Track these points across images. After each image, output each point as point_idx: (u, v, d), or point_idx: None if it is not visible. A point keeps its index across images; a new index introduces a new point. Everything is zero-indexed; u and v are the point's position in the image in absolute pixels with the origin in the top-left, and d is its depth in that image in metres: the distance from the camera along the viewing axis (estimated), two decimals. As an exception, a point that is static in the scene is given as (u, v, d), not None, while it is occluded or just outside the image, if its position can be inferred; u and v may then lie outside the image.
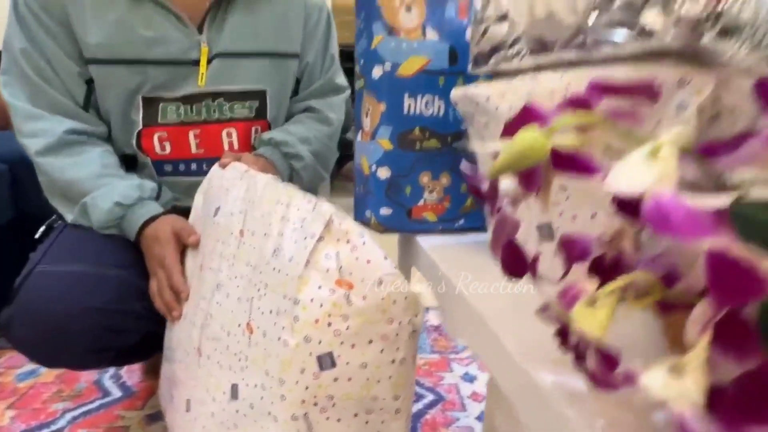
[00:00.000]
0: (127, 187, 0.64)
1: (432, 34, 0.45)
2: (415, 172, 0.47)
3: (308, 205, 0.44)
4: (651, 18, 0.26)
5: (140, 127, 0.69)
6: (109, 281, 0.62)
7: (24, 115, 0.64)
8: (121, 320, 0.62)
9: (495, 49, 0.38)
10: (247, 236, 0.50)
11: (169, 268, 0.59)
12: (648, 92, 0.19)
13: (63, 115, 0.65)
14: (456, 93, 0.41)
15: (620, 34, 0.29)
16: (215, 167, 0.64)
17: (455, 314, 0.36)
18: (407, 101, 0.46)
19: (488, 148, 0.19)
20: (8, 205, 1.07)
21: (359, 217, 0.51)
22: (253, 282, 0.46)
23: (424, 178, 0.48)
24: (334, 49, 0.82)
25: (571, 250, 0.22)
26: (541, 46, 0.34)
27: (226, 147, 0.74)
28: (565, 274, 0.21)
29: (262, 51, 0.73)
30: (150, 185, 0.67)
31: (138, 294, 0.62)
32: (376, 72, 0.45)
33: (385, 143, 0.46)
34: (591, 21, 0.30)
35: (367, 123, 0.48)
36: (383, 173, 0.47)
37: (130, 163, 0.72)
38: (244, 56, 0.72)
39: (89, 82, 0.67)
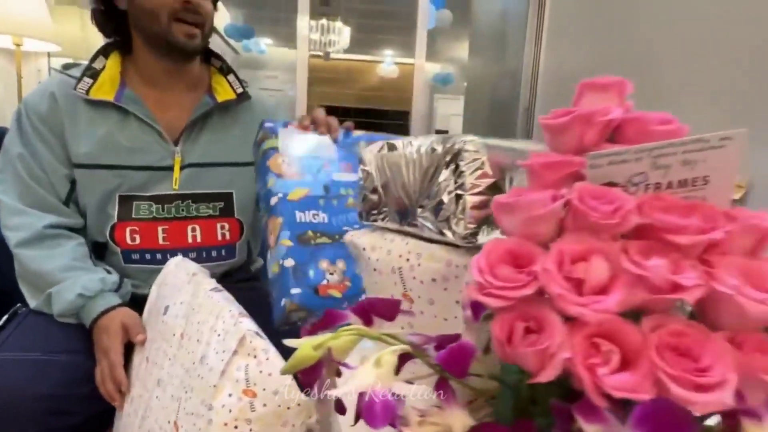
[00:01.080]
0: (90, 280, 0.72)
1: (308, 177, 0.65)
2: (314, 260, 0.60)
3: (231, 319, 0.53)
4: (444, 227, 0.39)
5: (114, 221, 0.79)
6: (57, 367, 0.68)
7: (10, 211, 0.74)
8: (67, 404, 0.67)
9: (371, 210, 0.50)
10: (185, 340, 0.59)
11: (112, 360, 0.66)
12: (394, 309, 0.30)
13: (46, 211, 0.75)
14: (346, 238, 0.53)
15: (432, 227, 0.41)
16: (170, 263, 0.72)
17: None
18: (298, 214, 0.61)
19: (292, 343, 0.29)
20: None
21: (276, 318, 0.61)
22: (183, 384, 0.55)
23: (323, 264, 0.60)
24: None
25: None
26: (396, 217, 0.47)
27: (189, 240, 0.84)
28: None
29: (229, 161, 0.85)
30: (112, 279, 0.76)
31: (85, 377, 0.68)
32: (273, 200, 0.61)
33: (286, 242, 0.60)
34: (418, 213, 0.43)
35: (272, 239, 0.61)
36: (289, 263, 0.59)
37: (100, 250, 0.81)
38: (212, 165, 0.84)
39: (73, 182, 0.78)
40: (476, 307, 0.29)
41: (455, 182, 0.38)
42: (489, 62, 4.02)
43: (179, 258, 0.72)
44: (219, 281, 0.88)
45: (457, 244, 0.39)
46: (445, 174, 0.38)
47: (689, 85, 0.99)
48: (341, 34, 4.49)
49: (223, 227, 0.87)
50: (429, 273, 0.41)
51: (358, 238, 0.51)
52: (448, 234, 0.38)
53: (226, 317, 0.54)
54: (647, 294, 0.24)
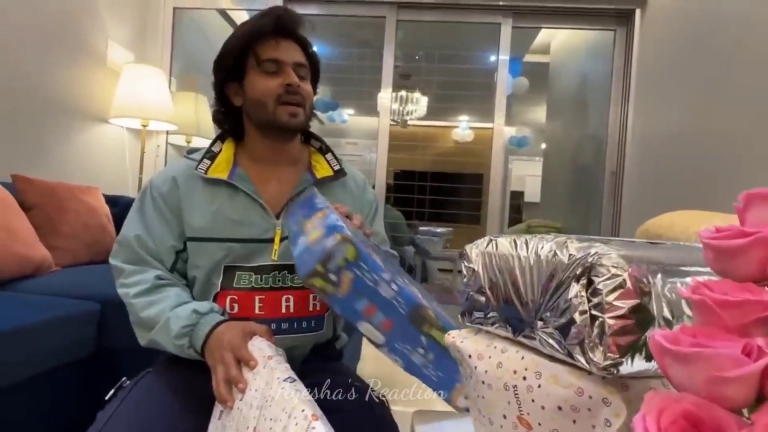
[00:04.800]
0: (200, 304, 0.78)
1: None
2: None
3: (304, 421, 0.51)
4: (576, 351, 0.34)
5: (218, 289, 0.83)
6: None
7: (125, 273, 0.83)
8: None
9: (476, 311, 0.46)
10: None
11: (227, 363, 0.67)
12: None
13: (155, 269, 0.83)
14: (448, 340, 0.49)
15: (557, 347, 0.36)
16: (250, 344, 0.72)
17: None
18: None
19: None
20: (93, 341, 1.24)
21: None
22: None
23: None
24: (380, 219, 1.01)
25: None
26: (506, 325, 0.42)
27: (283, 311, 0.85)
28: None
29: None
30: (221, 308, 0.80)
31: None
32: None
33: None
34: (538, 326, 0.38)
35: None
36: None
37: None
38: None
39: (178, 253, 0.85)
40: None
41: (589, 300, 0.33)
42: (568, 125, 3.94)
43: (256, 339, 0.72)
44: (307, 359, 0.88)
45: (589, 370, 0.34)
46: (575, 289, 0.34)
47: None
48: (419, 103, 4.71)
49: (314, 297, 0.87)
50: (554, 399, 0.36)
51: (462, 341, 0.47)
52: (581, 359, 0.33)
53: (299, 418, 0.52)
54: None
